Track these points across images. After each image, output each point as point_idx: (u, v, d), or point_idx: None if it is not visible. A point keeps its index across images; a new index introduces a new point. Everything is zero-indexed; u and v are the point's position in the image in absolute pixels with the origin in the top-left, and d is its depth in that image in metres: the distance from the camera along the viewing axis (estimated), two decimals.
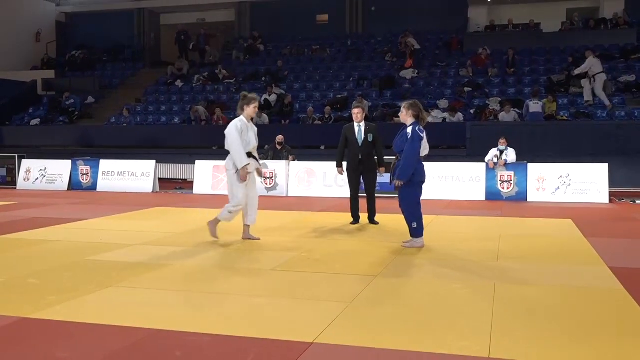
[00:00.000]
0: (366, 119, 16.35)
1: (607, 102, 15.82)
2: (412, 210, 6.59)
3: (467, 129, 15.14)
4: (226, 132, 6.90)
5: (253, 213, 7.14)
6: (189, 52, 23.09)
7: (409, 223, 6.65)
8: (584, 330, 3.87)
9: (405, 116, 6.60)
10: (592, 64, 16.14)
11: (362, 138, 8.43)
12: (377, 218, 8.61)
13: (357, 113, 8.45)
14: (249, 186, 7.01)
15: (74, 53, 24.65)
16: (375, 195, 8.66)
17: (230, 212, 7.00)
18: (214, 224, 7.14)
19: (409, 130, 6.50)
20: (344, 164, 8.69)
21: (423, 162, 6.66)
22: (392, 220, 8.65)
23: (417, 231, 6.64)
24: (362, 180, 8.67)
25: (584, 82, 16.24)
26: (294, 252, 6.44)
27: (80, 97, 21.38)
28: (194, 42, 23.10)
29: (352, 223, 8.60)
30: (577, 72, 16.48)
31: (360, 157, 8.45)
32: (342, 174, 8.72)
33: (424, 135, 6.57)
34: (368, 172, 8.53)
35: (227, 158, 6.98)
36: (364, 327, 3.92)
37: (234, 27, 25.04)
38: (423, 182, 6.68)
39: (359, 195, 8.67)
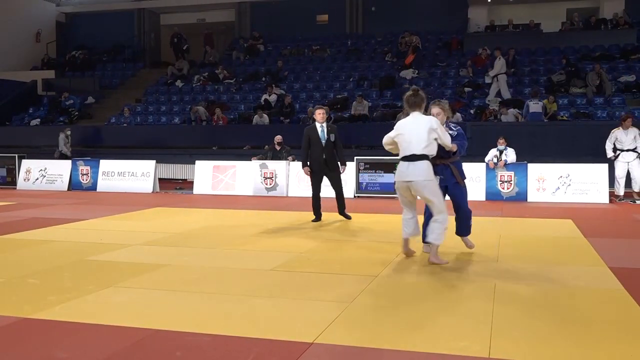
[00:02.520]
0: (366, 118, 16.55)
1: (507, 95, 16.77)
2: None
3: (467, 129, 15.11)
4: (433, 123, 5.68)
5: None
6: (184, 53, 23.10)
7: (469, 222, 6.28)
8: (584, 330, 3.87)
9: (445, 114, 6.09)
10: (502, 63, 16.87)
11: (326, 138, 8.68)
12: (377, 218, 8.63)
13: (322, 114, 8.71)
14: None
15: (74, 53, 24.66)
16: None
17: (446, 229, 5.78)
18: (435, 254, 5.75)
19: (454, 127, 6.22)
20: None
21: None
22: (393, 220, 8.65)
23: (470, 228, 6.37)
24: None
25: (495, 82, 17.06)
26: (294, 252, 6.44)
27: (80, 97, 21.40)
28: (187, 44, 23.12)
29: (313, 220, 8.84)
30: (492, 73, 17.11)
31: (324, 157, 8.71)
32: (308, 174, 8.88)
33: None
34: (332, 171, 8.82)
35: (422, 165, 5.63)
36: (364, 327, 3.92)
37: (234, 27, 25.06)
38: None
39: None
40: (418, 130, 5.66)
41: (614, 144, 11.47)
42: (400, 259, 6.10)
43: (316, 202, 8.92)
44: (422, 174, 5.60)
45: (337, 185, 8.90)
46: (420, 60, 19.76)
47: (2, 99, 21.53)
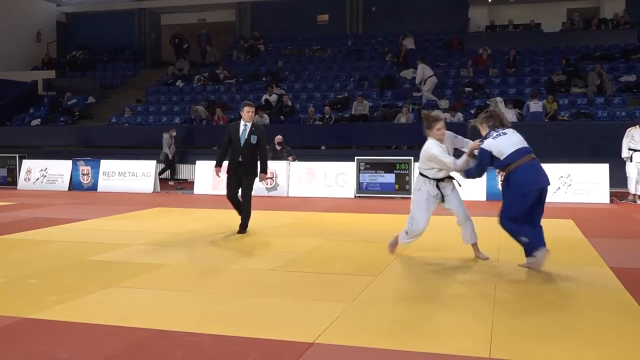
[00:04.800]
0: (366, 118, 16.54)
1: (438, 102, 16.97)
2: (509, 225, 5.73)
3: (468, 129, 15.11)
4: (426, 152, 6.01)
5: (466, 231, 6.25)
6: (185, 54, 23.12)
7: (516, 239, 5.71)
8: (584, 330, 3.88)
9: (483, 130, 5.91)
10: (423, 69, 17.32)
11: (245, 138, 7.72)
12: (378, 218, 8.58)
13: (249, 112, 7.83)
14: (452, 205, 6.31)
15: (74, 53, 24.66)
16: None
17: (407, 234, 6.18)
18: (393, 245, 6.32)
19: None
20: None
21: (526, 169, 5.76)
22: (393, 220, 8.65)
23: (531, 246, 5.53)
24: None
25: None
26: (294, 252, 6.45)
27: (80, 97, 21.40)
28: (188, 43, 23.13)
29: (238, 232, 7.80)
30: (417, 81, 17.56)
31: (240, 159, 7.69)
32: (219, 175, 7.96)
33: (499, 137, 5.95)
34: (245, 175, 7.73)
35: (417, 178, 6.30)
36: (364, 327, 3.92)
37: (234, 27, 25.07)
38: (522, 194, 5.65)
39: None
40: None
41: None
42: (400, 259, 6.10)
43: (233, 205, 7.91)
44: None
45: (245, 192, 7.80)
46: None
47: (2, 99, 21.53)
